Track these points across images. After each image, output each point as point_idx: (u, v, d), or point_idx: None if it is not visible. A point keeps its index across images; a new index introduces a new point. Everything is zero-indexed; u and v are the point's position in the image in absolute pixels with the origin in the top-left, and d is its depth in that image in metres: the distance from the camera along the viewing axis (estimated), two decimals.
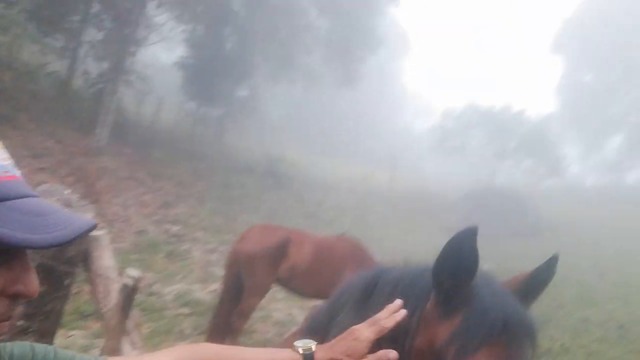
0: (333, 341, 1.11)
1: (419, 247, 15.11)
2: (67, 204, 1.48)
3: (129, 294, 1.50)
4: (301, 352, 1.06)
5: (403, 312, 1.06)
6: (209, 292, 6.65)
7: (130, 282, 1.50)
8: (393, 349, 1.06)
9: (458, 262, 0.96)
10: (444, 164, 37.10)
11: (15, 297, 0.67)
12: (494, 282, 1.09)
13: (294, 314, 6.62)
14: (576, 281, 11.35)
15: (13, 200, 0.66)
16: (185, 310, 5.81)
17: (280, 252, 4.82)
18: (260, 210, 14.48)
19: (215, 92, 20.50)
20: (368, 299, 1.24)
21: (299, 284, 5.00)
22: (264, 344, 5.33)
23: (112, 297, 1.60)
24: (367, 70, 24.95)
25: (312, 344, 1.09)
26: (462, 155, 26.46)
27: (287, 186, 18.04)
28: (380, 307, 1.15)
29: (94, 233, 1.74)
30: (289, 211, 15.91)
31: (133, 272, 1.51)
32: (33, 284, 0.68)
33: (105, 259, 1.72)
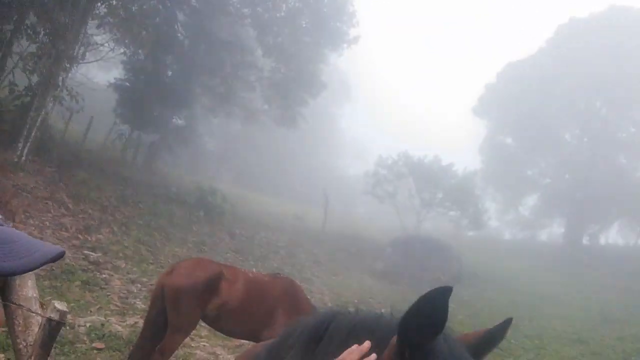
0: None
1: (347, 289, 15.16)
2: None
3: (53, 329, 1.33)
4: None
5: (374, 357, 1.05)
6: (127, 325, 6.23)
7: (55, 316, 1.33)
8: None
9: (429, 318, 0.96)
10: (375, 208, 38.04)
11: None
12: (451, 338, 1.11)
13: (218, 354, 6.33)
14: None
15: None
16: (100, 344, 5.38)
17: (210, 287, 4.59)
18: (188, 242, 13.98)
19: (150, 117, 19.98)
20: (318, 343, 1.22)
21: (228, 323, 4.74)
22: None
23: (32, 332, 1.42)
24: (307, 113, 25.41)
25: None
26: (393, 201, 27.24)
27: (217, 219, 17.62)
28: (331, 352, 1.13)
29: None
30: (218, 245, 15.48)
31: (60, 305, 1.35)
32: None
33: (28, 288, 1.54)
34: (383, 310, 1.30)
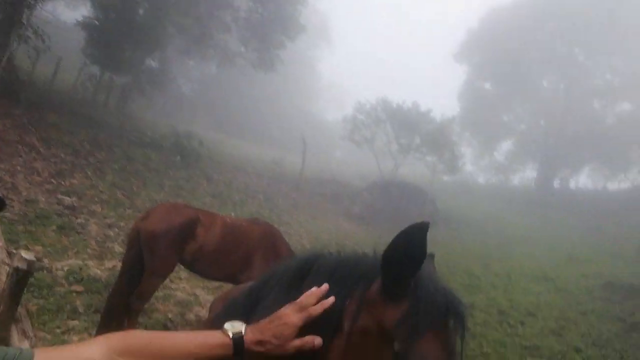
0: (262, 323, 1.12)
1: (325, 232, 15.46)
2: None
3: (21, 278, 1.31)
4: (231, 335, 1.08)
5: (331, 300, 1.11)
6: (105, 269, 6.26)
7: (23, 265, 1.30)
8: (321, 330, 1.08)
9: (408, 252, 1.01)
10: (352, 154, 38.19)
11: None
12: (433, 272, 1.18)
13: (198, 294, 6.45)
14: (464, 270, 12.33)
15: None
16: (78, 287, 5.41)
17: (186, 232, 4.60)
18: (165, 186, 13.88)
19: (121, 59, 19.18)
20: (301, 283, 1.23)
21: (205, 267, 4.79)
22: (165, 323, 5.14)
23: (1, 282, 1.39)
24: (285, 56, 24.75)
25: (242, 327, 1.11)
26: (370, 146, 27.31)
27: (194, 164, 17.46)
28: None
29: None
30: (195, 190, 15.43)
31: (27, 254, 1.32)
32: None
33: None
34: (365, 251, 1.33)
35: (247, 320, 1.27)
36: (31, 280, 5.00)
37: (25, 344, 1.32)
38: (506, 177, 41.32)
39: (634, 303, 10.55)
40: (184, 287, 6.53)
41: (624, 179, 36.44)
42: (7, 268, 1.38)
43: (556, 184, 36.80)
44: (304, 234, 13.50)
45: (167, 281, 5.43)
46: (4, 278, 1.37)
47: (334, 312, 1.11)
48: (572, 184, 38.90)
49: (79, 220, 8.05)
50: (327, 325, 1.10)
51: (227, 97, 38.47)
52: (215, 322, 1.49)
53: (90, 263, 6.34)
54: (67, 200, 8.71)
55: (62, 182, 9.61)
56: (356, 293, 1.12)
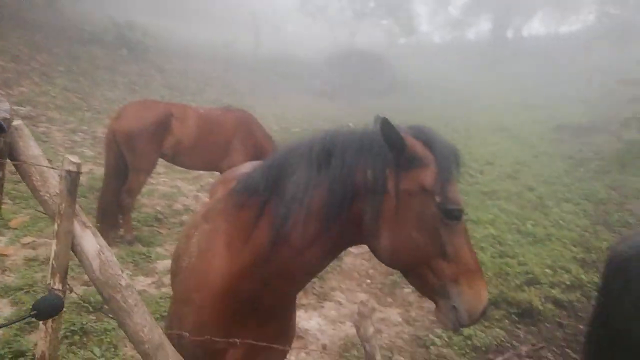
0: None
1: (289, 112, 15.54)
2: None
3: (74, 178, 1.50)
4: None
5: None
6: (84, 173, 6.34)
7: (73, 167, 1.49)
8: (374, 194, 1.38)
9: (389, 142, 1.37)
10: (305, 27, 36.65)
11: None
12: (436, 136, 1.48)
13: (179, 186, 6.70)
14: None
15: None
16: None
17: (162, 127, 4.67)
18: (117, 84, 13.38)
19: None
20: (329, 159, 1.42)
21: (187, 159, 4.94)
22: (155, 216, 5.43)
23: (51, 184, 1.56)
24: None
25: None
26: (324, 16, 26.27)
27: (143, 56, 16.64)
28: (347, 164, 1.38)
29: (15, 123, 1.63)
30: (149, 83, 14.94)
31: (73, 157, 1.50)
32: None
33: (32, 148, 1.64)
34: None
35: (270, 195, 1.47)
36: (13, 192, 5.10)
37: (88, 233, 1.54)
38: (462, 33, 41.00)
39: (582, 141, 11.47)
40: (165, 181, 6.74)
41: (576, 20, 36.76)
42: (53, 173, 1.57)
43: (510, 33, 36.86)
44: (270, 116, 13.55)
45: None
46: (54, 182, 1.56)
47: (379, 180, 1.37)
48: (525, 32, 39.05)
49: (40, 129, 7.88)
50: (377, 190, 1.37)
51: None
52: (233, 195, 1.67)
53: None
54: (22, 110, 8.42)
55: (11, 92, 9.17)
56: (389, 163, 1.38)
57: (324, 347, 3.73)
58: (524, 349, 3.92)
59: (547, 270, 5.07)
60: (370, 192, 1.38)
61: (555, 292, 4.66)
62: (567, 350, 3.91)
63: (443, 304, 1.40)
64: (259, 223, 1.51)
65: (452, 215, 1.36)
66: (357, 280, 4.85)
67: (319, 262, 1.53)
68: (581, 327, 4.12)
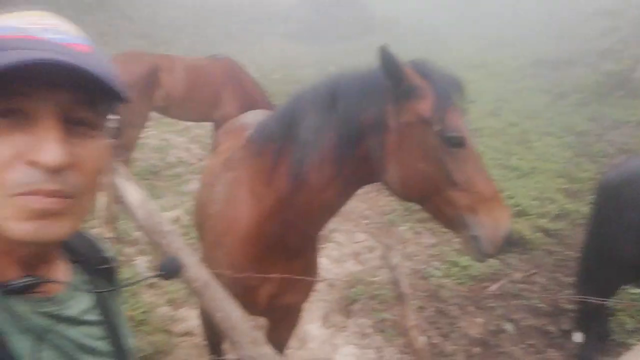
0: None
1: (267, 57, 15.19)
2: None
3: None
4: None
5: None
6: None
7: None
8: (374, 130, 1.42)
9: (389, 71, 1.41)
10: None
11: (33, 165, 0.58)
12: (432, 67, 1.53)
13: (169, 138, 6.65)
14: None
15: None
16: None
17: (150, 80, 4.58)
18: (86, 32, 12.79)
19: None
20: (336, 102, 1.48)
21: (178, 111, 4.90)
22: (150, 169, 5.43)
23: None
24: None
25: None
26: None
27: (108, 5, 15.84)
28: (354, 108, 1.43)
29: None
30: (118, 34, 14.36)
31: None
32: (47, 152, 0.58)
33: None
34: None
35: (285, 141, 1.54)
36: None
37: (131, 186, 1.60)
38: None
39: (561, 74, 11.60)
40: (154, 134, 6.67)
41: None
42: None
43: None
44: (247, 63, 13.21)
45: None
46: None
47: (381, 116, 1.42)
48: None
49: None
50: (378, 125, 1.42)
51: None
52: (251, 143, 1.75)
53: None
54: None
55: None
56: (389, 99, 1.42)
57: (331, 285, 3.92)
58: (517, 275, 4.19)
59: (534, 202, 5.30)
60: (375, 129, 1.43)
61: (543, 222, 4.91)
62: (557, 274, 4.19)
63: (465, 235, 1.43)
64: (278, 169, 1.59)
65: (453, 142, 1.38)
66: (355, 222, 5.01)
67: (336, 202, 1.61)
68: (569, 253, 4.39)
